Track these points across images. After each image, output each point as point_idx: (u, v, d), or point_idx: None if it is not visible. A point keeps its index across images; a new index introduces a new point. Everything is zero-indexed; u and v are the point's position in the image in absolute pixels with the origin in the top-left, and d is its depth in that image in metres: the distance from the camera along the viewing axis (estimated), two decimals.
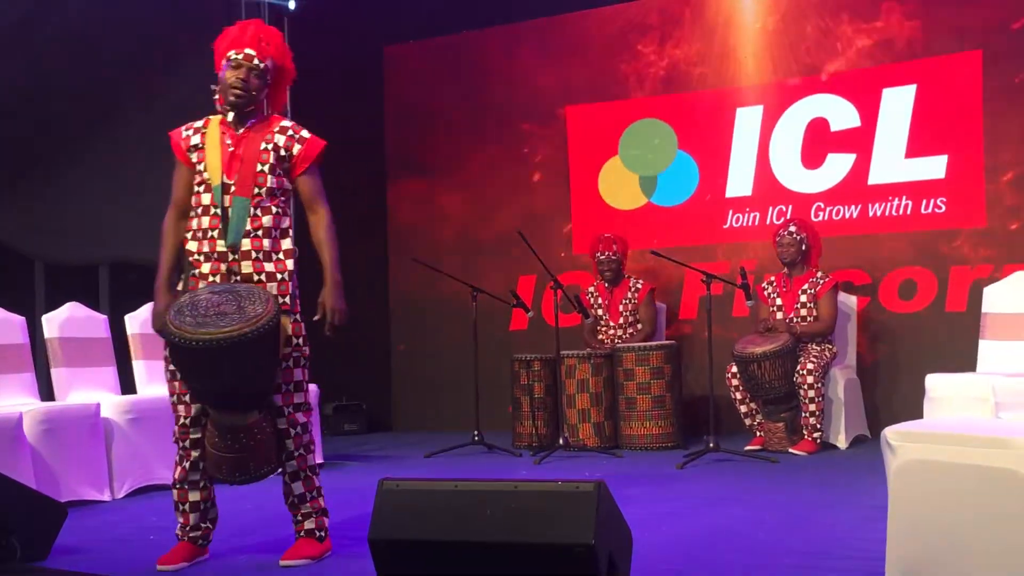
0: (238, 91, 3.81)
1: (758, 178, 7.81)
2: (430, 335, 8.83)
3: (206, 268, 3.81)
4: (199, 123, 3.92)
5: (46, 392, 5.87)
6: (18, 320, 5.68)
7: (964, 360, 6.20)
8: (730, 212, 7.89)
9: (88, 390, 5.80)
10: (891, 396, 7.21)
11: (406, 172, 9.07)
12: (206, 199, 3.82)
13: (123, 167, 7.33)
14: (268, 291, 3.72)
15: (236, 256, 3.79)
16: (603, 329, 7.48)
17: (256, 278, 3.80)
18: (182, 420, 3.83)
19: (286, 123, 3.93)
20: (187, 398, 3.80)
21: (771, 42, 7.81)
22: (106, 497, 5.40)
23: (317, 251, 3.93)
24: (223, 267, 3.80)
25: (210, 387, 3.64)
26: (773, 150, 7.78)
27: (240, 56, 3.81)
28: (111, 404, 5.61)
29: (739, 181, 7.89)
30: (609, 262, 7.43)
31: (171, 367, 3.81)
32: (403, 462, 6.85)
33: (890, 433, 3.07)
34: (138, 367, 6.15)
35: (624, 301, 7.43)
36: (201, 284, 3.79)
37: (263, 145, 3.85)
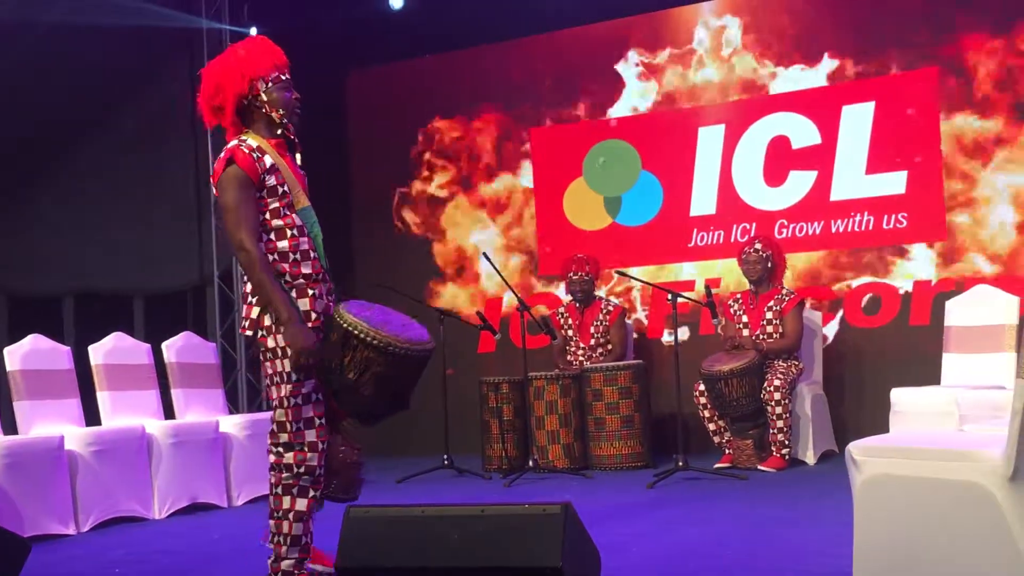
0: (299, 113, 3.69)
1: (721, 196, 7.86)
2: None
3: (313, 291, 3.60)
4: (251, 142, 3.55)
5: (9, 426, 5.80)
6: None
7: (928, 373, 6.26)
8: (695, 231, 7.93)
9: (52, 423, 5.73)
10: (858, 411, 7.25)
11: (371, 195, 9.06)
12: (299, 220, 3.59)
13: (86, 199, 7.29)
14: None
15: (328, 279, 3.69)
16: (572, 350, 7.48)
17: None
18: (321, 447, 3.55)
19: None
20: (323, 420, 3.57)
21: (732, 62, 7.88)
22: (71, 531, 5.33)
23: None
24: (324, 289, 3.66)
25: (395, 400, 3.65)
26: (736, 168, 7.83)
27: (288, 78, 3.67)
28: (75, 436, 5.55)
29: (703, 200, 7.93)
30: (581, 282, 7.41)
31: (303, 390, 3.50)
32: (372, 487, 6.76)
33: (854, 448, 3.09)
34: (102, 398, 6.09)
35: (595, 323, 7.42)
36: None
37: (302, 171, 3.78)
